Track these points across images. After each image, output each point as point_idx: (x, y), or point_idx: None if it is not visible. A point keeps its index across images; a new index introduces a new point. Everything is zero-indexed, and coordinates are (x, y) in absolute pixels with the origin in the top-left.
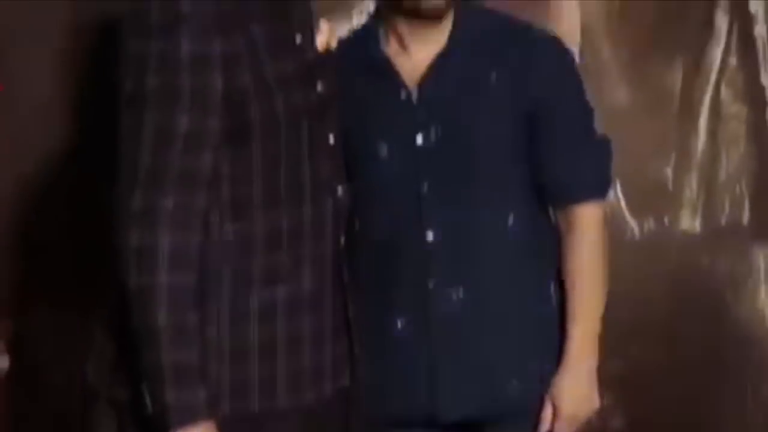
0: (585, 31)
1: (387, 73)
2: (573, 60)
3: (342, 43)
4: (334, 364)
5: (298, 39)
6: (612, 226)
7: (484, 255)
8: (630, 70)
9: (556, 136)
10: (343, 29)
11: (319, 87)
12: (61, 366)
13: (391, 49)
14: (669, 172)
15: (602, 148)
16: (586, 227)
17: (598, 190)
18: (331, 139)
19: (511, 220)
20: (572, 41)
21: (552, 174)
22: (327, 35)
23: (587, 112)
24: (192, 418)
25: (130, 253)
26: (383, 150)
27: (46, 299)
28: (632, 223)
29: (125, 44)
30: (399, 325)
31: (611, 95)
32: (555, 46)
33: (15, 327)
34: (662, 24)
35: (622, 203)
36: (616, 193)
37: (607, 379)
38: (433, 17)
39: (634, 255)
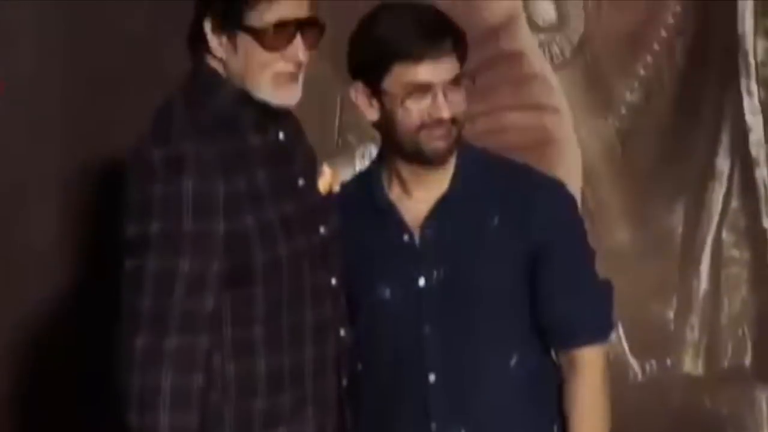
0: (587, 173)
1: (390, 216)
2: (574, 203)
3: (346, 186)
4: None
5: (301, 182)
6: (614, 367)
7: (486, 396)
8: (632, 212)
9: (558, 278)
10: (347, 173)
11: (322, 230)
12: None
13: (394, 192)
14: (671, 314)
15: (604, 290)
16: (589, 369)
17: (600, 333)
18: (333, 281)
19: (513, 360)
20: (574, 184)
21: (554, 316)
22: (329, 178)
23: (588, 255)
24: None
25: (132, 393)
26: (385, 292)
27: None
28: (635, 364)
29: (127, 187)
30: None
31: (613, 237)
32: (556, 189)
33: None
34: (664, 167)
35: (625, 345)
36: (618, 335)
37: None
38: (435, 161)
39: (637, 397)
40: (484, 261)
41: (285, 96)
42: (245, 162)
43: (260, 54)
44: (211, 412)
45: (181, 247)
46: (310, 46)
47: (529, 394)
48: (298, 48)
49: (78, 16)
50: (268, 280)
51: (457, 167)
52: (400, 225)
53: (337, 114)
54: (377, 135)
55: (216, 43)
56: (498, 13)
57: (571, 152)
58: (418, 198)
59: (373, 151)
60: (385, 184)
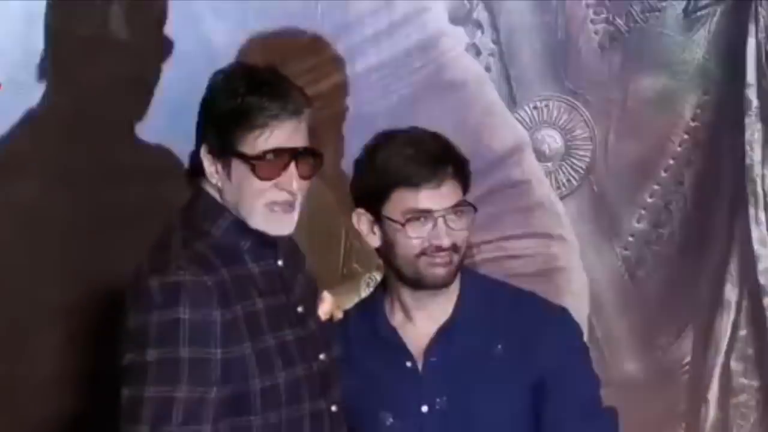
0: (593, 302)
1: (393, 343)
2: (580, 331)
3: (349, 313)
4: None
5: (300, 309)
6: None
7: None
8: (639, 340)
9: (562, 407)
10: (352, 301)
11: (321, 357)
12: None
13: (397, 318)
14: None
15: (609, 418)
16: None
17: None
18: (333, 408)
19: None
20: (580, 312)
21: None
22: (330, 305)
23: (593, 384)
24: None
25: None
26: (388, 419)
27: None
28: None
29: (126, 317)
30: None
31: (620, 366)
32: (561, 317)
33: None
34: (671, 295)
35: None
36: None
37: None
38: (435, 287)
39: None
40: (488, 388)
41: (278, 226)
42: (243, 290)
43: (253, 182)
44: None
45: (177, 375)
46: (305, 176)
47: None
48: (292, 177)
49: (80, 148)
50: (266, 408)
51: (461, 293)
52: (403, 351)
53: (342, 242)
54: (382, 263)
55: (212, 169)
56: (505, 141)
57: (578, 280)
58: (420, 324)
59: (377, 278)
60: (388, 310)
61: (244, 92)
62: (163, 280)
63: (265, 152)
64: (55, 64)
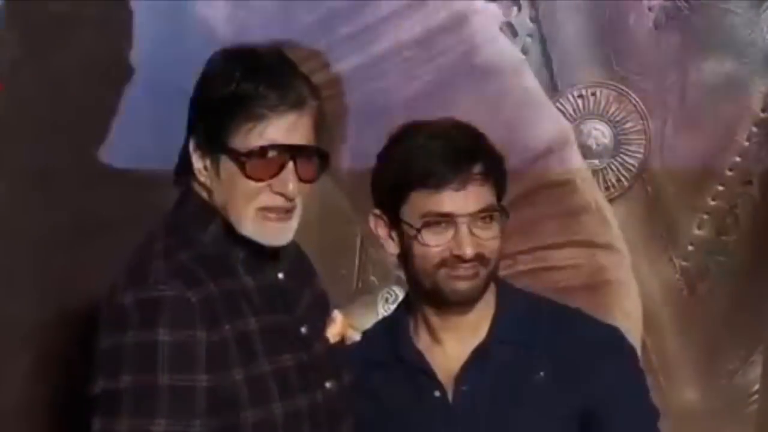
0: (648, 320)
1: (418, 368)
2: (635, 355)
3: (368, 334)
4: None
5: (303, 330)
6: None
7: None
8: (701, 365)
9: None
10: (368, 318)
11: (328, 385)
12: None
13: (423, 341)
14: None
15: None
16: None
17: None
18: None
19: None
20: (633, 332)
21: None
22: (340, 326)
23: (651, 415)
24: None
25: None
26: None
27: None
28: None
29: (99, 337)
30: None
31: (679, 394)
32: (614, 339)
33: None
34: (738, 312)
35: None
36: None
37: None
38: (457, 304)
39: None
40: (528, 422)
41: (271, 235)
42: (234, 307)
43: (243, 183)
44: None
45: (155, 406)
46: (306, 178)
47: None
48: (289, 179)
49: (56, 145)
50: None
51: (497, 311)
52: (431, 379)
53: (357, 252)
54: (403, 275)
55: (200, 165)
56: (545, 135)
57: (630, 295)
58: (450, 347)
59: (398, 293)
60: (413, 331)
61: (240, 77)
62: (140, 296)
63: (258, 148)
64: (24, 46)
